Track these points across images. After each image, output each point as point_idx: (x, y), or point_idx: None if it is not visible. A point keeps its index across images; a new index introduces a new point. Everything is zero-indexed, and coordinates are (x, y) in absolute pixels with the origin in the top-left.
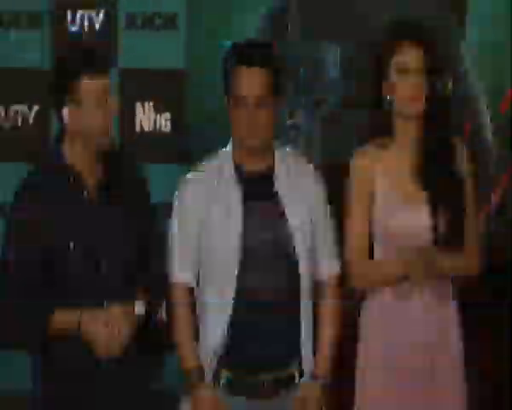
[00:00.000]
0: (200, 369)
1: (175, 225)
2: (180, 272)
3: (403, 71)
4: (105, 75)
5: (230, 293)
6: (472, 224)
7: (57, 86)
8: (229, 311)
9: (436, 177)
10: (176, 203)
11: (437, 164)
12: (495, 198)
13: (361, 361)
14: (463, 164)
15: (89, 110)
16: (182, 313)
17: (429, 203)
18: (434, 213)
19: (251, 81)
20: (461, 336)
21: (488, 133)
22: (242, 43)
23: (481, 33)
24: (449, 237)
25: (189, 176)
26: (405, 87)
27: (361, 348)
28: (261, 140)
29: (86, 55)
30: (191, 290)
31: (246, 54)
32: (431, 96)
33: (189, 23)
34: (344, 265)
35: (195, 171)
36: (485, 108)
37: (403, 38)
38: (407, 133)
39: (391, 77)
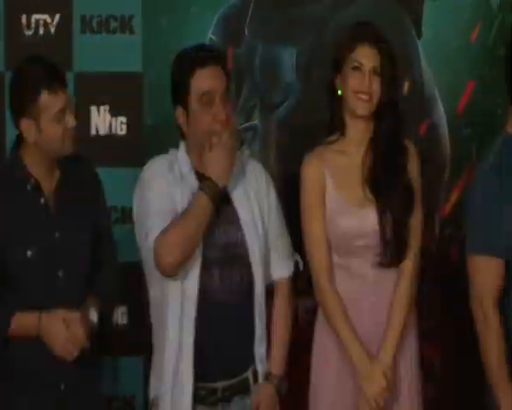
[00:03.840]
0: None
1: (151, 202)
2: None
3: (356, 68)
4: (64, 90)
5: (194, 290)
6: (415, 227)
7: (16, 98)
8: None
9: (385, 179)
10: (146, 183)
11: (387, 166)
12: (451, 201)
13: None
14: (413, 167)
15: (46, 124)
16: None
17: (377, 205)
18: (382, 215)
19: (215, 79)
20: (416, 333)
21: (445, 134)
22: (194, 47)
23: (437, 33)
24: (394, 240)
25: (153, 163)
26: (357, 82)
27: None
28: None
29: (47, 71)
30: None
31: (204, 55)
32: (384, 97)
33: (145, 25)
34: (312, 277)
35: (158, 160)
36: (442, 108)
37: (360, 39)
38: (358, 133)
39: (344, 73)
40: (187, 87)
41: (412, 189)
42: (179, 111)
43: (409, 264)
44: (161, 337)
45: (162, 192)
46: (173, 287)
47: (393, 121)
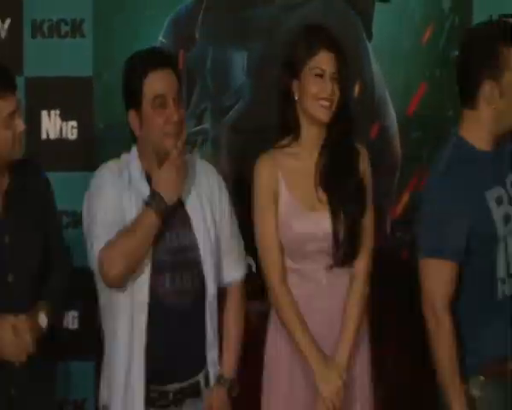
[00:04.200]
0: None
1: (98, 211)
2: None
3: (319, 75)
4: (13, 94)
5: (144, 297)
6: (367, 228)
7: None
8: (144, 317)
9: (338, 182)
10: (94, 191)
11: (339, 169)
12: (401, 203)
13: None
14: (364, 169)
15: None
16: None
17: (330, 208)
18: (335, 218)
19: (168, 82)
20: (368, 333)
21: (396, 136)
22: (146, 51)
23: (388, 34)
24: (348, 240)
25: (102, 170)
26: (319, 89)
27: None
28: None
29: None
30: None
31: (157, 58)
32: (340, 102)
33: (96, 29)
34: (264, 278)
35: (107, 166)
36: (393, 110)
37: (320, 44)
38: (312, 137)
39: (303, 80)
40: (140, 90)
41: (364, 190)
42: (132, 114)
43: (361, 265)
44: (112, 342)
45: (109, 202)
46: (123, 293)
47: (346, 124)
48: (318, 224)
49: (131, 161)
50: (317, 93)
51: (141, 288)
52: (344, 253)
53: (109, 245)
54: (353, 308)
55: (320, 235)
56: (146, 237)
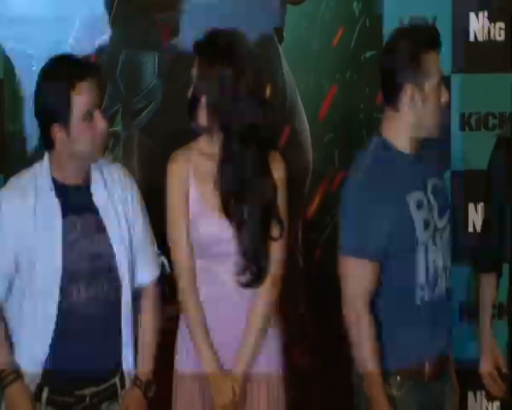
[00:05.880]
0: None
1: None
2: None
3: None
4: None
5: (52, 308)
6: (277, 247)
7: None
8: (52, 326)
9: (244, 186)
10: None
11: (246, 173)
12: (313, 206)
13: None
14: (276, 174)
15: None
16: None
17: (234, 212)
18: (238, 225)
19: (95, 93)
20: (280, 335)
21: (307, 138)
22: (64, 60)
23: (299, 37)
24: (255, 261)
25: (4, 191)
26: None
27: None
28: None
29: None
30: None
31: (81, 69)
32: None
33: None
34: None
35: (10, 186)
36: (304, 113)
37: None
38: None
39: None
40: (66, 105)
41: (272, 188)
42: (56, 129)
43: (268, 286)
44: (17, 354)
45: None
46: (31, 306)
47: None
48: (223, 227)
49: (41, 174)
50: None
51: (49, 300)
52: (251, 277)
53: None
54: (256, 319)
55: (224, 238)
56: None
